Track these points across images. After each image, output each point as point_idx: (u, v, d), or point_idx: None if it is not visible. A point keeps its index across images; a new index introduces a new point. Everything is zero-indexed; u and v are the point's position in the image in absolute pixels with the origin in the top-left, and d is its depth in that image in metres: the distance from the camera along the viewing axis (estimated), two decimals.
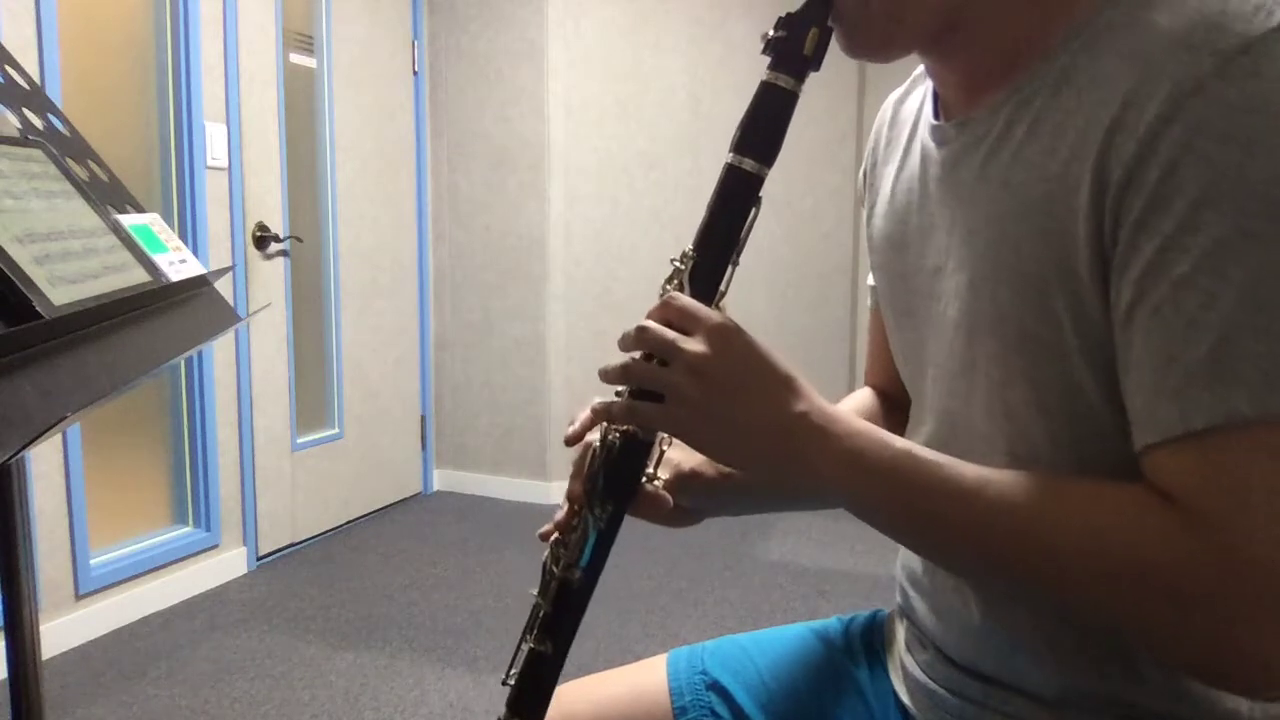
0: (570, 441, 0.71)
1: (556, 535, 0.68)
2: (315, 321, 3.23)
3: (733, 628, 2.48)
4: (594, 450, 0.67)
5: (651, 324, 0.60)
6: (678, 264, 0.63)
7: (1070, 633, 0.61)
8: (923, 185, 0.69)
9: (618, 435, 0.65)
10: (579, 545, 0.66)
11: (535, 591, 0.68)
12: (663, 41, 3.66)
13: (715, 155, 3.82)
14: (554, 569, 0.67)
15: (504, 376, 3.72)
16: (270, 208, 2.93)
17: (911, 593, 0.75)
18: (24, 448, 0.65)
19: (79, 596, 2.36)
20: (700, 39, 3.71)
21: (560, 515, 0.70)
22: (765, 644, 0.86)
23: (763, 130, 0.62)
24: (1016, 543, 0.53)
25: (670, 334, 0.59)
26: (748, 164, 0.62)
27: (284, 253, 3.01)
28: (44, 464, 2.24)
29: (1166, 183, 0.49)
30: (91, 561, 2.39)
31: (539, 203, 3.59)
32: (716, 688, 0.82)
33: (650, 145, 3.67)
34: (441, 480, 3.86)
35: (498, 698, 2.11)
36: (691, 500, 0.75)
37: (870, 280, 0.85)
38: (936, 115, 0.69)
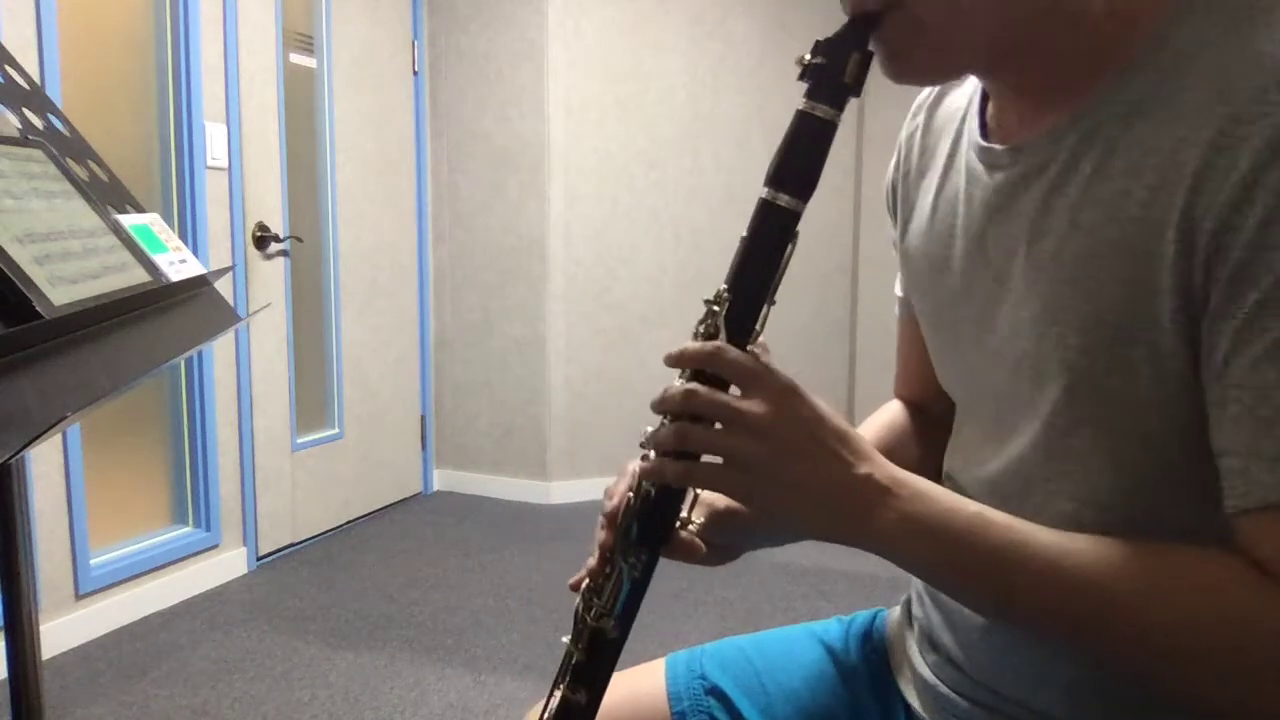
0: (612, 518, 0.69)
1: (588, 583, 0.66)
2: (315, 321, 3.23)
3: (733, 628, 2.48)
4: (627, 500, 0.64)
5: (699, 387, 0.56)
6: (712, 305, 0.60)
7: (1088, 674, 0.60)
8: (969, 207, 0.65)
9: (650, 484, 0.62)
10: (614, 595, 0.64)
11: (567, 639, 0.66)
12: (663, 41, 3.66)
13: (715, 155, 3.83)
14: (587, 618, 0.64)
15: (504, 376, 3.72)
16: (270, 208, 2.93)
17: (927, 600, 0.74)
18: (24, 448, 0.65)
19: (79, 596, 2.36)
20: (700, 39, 3.70)
21: (592, 563, 0.68)
22: (764, 647, 0.85)
23: (800, 163, 0.58)
24: (1099, 618, 0.51)
25: (724, 397, 0.56)
26: (783, 199, 0.58)
27: (284, 253, 3.01)
28: (44, 464, 2.24)
29: (1267, 232, 0.46)
30: (91, 561, 2.39)
31: (539, 203, 3.59)
32: (715, 692, 0.81)
33: (650, 145, 3.67)
34: (441, 480, 3.86)
35: (498, 697, 2.11)
36: (727, 539, 0.73)
37: (899, 290, 0.82)
38: (984, 133, 0.65)
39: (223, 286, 2.62)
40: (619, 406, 3.70)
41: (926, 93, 0.77)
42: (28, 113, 1.00)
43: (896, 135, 0.81)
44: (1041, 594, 0.52)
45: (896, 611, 0.83)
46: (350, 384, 3.37)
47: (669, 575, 2.86)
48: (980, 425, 0.68)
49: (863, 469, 0.55)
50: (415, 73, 3.61)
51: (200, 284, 1.08)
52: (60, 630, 2.31)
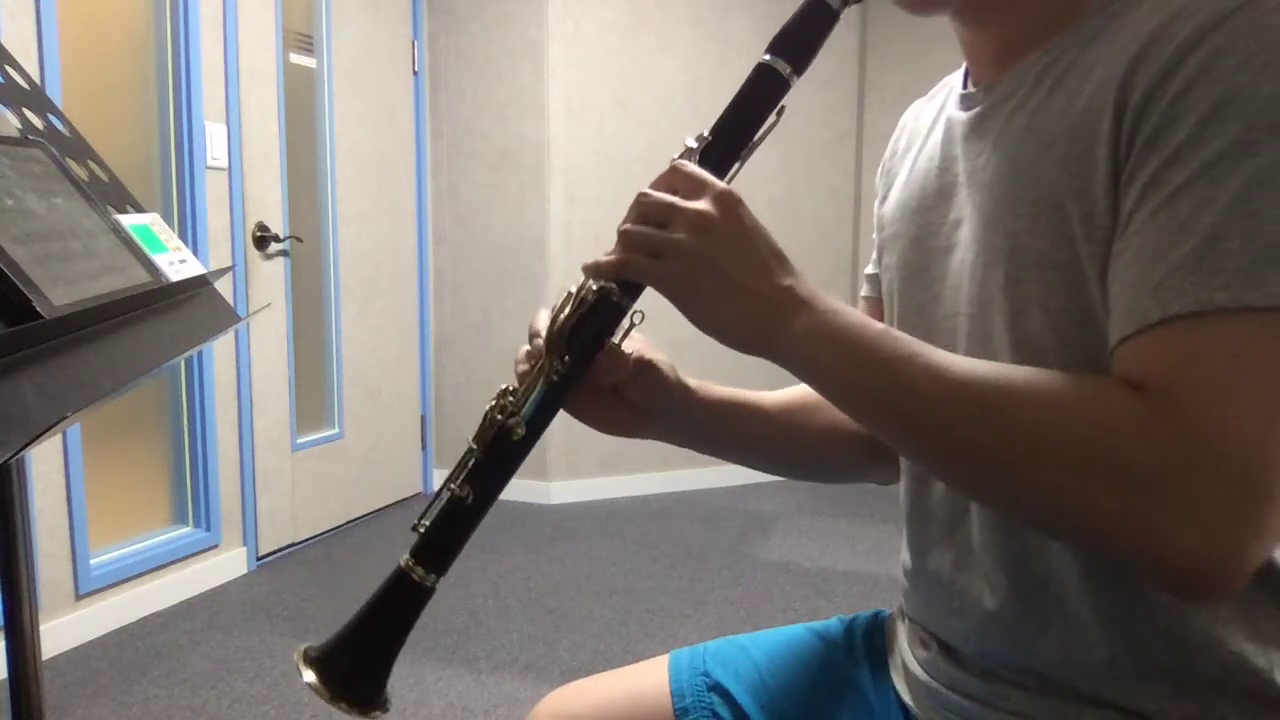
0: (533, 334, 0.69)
1: (506, 386, 0.67)
2: (315, 321, 3.23)
3: (733, 628, 2.48)
4: (567, 298, 0.65)
5: (650, 191, 0.61)
6: (691, 144, 0.64)
7: (1074, 604, 0.61)
8: (945, 149, 0.71)
9: (593, 293, 0.64)
10: (526, 395, 0.65)
11: (470, 438, 0.65)
12: (663, 41, 3.66)
13: None
14: (497, 416, 0.65)
15: (504, 376, 3.66)
16: (270, 208, 2.93)
17: (908, 585, 0.75)
18: (24, 448, 0.65)
19: (79, 596, 2.36)
20: (700, 39, 3.71)
21: (521, 369, 0.69)
22: (766, 644, 0.86)
23: (802, 39, 0.64)
24: (980, 414, 0.53)
25: (670, 197, 0.60)
26: (781, 65, 0.63)
27: (284, 253, 3.01)
28: (44, 464, 2.24)
29: (1180, 102, 0.51)
30: (91, 561, 2.39)
31: (539, 203, 3.59)
32: (718, 689, 0.82)
33: (650, 145, 3.66)
34: (441, 480, 3.86)
35: (498, 698, 2.11)
36: (639, 394, 0.73)
37: (869, 269, 0.85)
38: (965, 88, 0.71)
39: (223, 286, 2.62)
40: None
41: (924, 97, 0.83)
42: (28, 113, 1.00)
43: None
44: (931, 393, 0.54)
45: (896, 611, 0.83)
46: (350, 384, 3.36)
47: (669, 575, 2.87)
48: None
49: (787, 280, 0.59)
50: (415, 73, 3.61)
51: (200, 284, 1.08)
52: (60, 630, 2.31)
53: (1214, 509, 0.47)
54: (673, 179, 0.61)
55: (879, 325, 0.58)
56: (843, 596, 2.73)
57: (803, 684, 0.81)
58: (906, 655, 0.76)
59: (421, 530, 0.65)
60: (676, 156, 0.63)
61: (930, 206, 0.71)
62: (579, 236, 3.64)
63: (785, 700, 0.80)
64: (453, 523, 0.64)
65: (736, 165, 0.65)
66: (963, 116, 0.69)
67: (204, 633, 2.45)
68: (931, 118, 0.77)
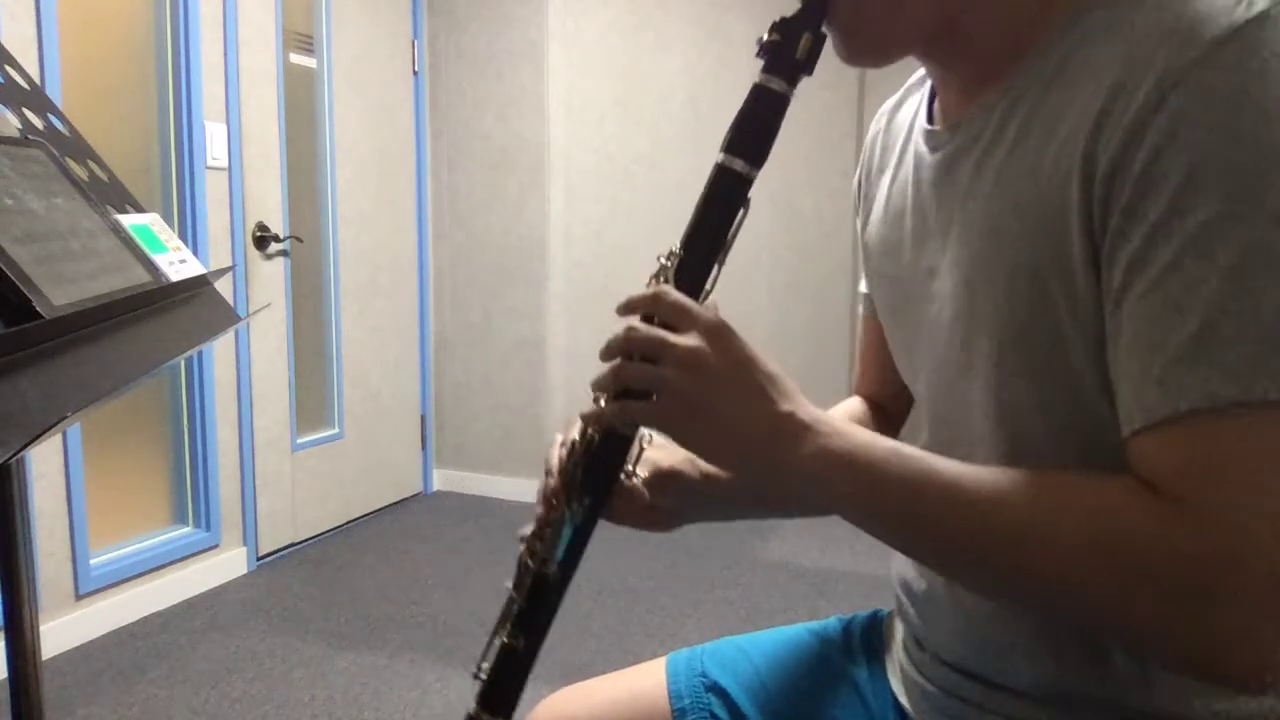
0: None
1: (533, 530, 0.68)
2: (315, 321, 3.23)
3: (733, 628, 2.48)
4: (574, 444, 0.66)
5: (639, 325, 0.59)
6: (664, 261, 0.63)
7: (1064, 632, 0.61)
8: (916, 190, 0.69)
9: (598, 430, 0.65)
10: (555, 539, 0.66)
11: (509, 584, 0.68)
12: (663, 41, 3.66)
13: (715, 155, 3.82)
14: (529, 563, 0.66)
15: (504, 376, 3.72)
16: (270, 208, 2.93)
17: (904, 599, 0.75)
18: (24, 448, 0.65)
19: (79, 596, 2.36)
20: (700, 39, 3.70)
21: (539, 511, 0.69)
22: (764, 645, 0.86)
23: (754, 132, 0.63)
24: (1005, 538, 0.52)
25: (660, 332, 0.58)
26: (738, 164, 0.62)
27: (284, 253, 3.01)
28: (44, 464, 2.24)
29: (1152, 169, 0.49)
30: (91, 561, 2.39)
31: (539, 203, 3.59)
32: (716, 689, 0.82)
33: (650, 145, 3.66)
34: (441, 480, 3.86)
35: None
36: (670, 500, 0.75)
37: (863, 287, 0.85)
38: (930, 120, 0.70)
39: (223, 286, 2.62)
40: None
41: (892, 99, 0.82)
42: (28, 113, 1.00)
43: None
44: (951, 519, 0.54)
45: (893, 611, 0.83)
46: (350, 384, 3.36)
47: (669, 575, 2.86)
48: (921, 396, 0.71)
49: (786, 406, 0.57)
50: (415, 73, 3.61)
51: (200, 284, 1.08)
52: (60, 630, 2.31)
53: (1252, 616, 0.47)
54: (657, 308, 0.59)
55: (886, 442, 0.57)
56: (842, 596, 2.73)
57: (800, 684, 0.81)
58: (902, 656, 0.76)
59: (483, 678, 0.68)
60: (651, 276, 0.63)
61: (905, 249, 0.70)
62: (579, 236, 3.63)
63: (783, 701, 0.80)
64: (510, 668, 0.67)
65: (715, 270, 0.63)
66: (929, 158, 0.67)
67: (204, 633, 2.45)
68: (902, 135, 0.75)
